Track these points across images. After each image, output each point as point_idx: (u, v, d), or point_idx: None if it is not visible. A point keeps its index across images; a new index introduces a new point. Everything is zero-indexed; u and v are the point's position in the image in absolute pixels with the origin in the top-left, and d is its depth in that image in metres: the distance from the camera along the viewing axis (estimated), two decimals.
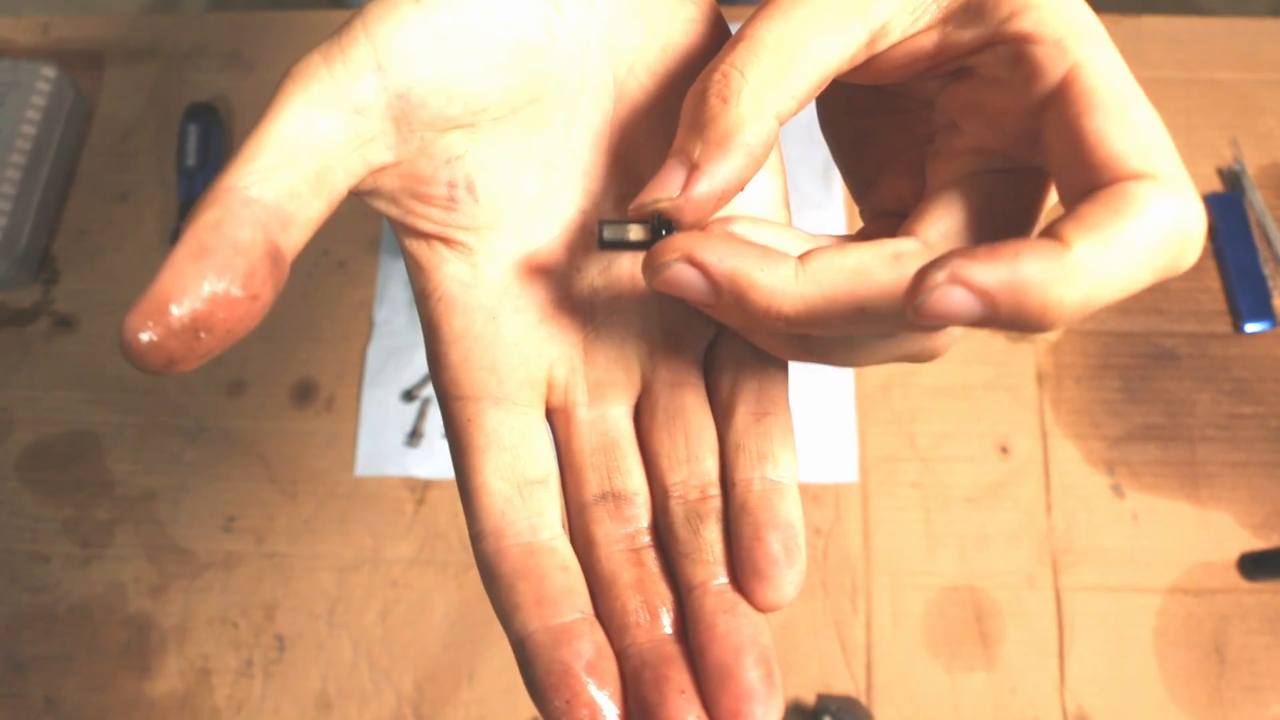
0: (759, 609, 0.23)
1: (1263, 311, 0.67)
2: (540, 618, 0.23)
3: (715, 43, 0.25)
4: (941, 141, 0.24)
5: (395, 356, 0.68)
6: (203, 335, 0.19)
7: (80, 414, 0.68)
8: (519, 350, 0.25)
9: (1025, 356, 0.67)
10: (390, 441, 0.66)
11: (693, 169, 0.21)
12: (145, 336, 0.18)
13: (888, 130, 0.27)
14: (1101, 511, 0.63)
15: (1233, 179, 0.71)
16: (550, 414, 0.26)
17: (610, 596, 0.24)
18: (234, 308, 0.19)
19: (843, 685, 0.60)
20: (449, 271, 0.25)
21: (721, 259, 0.21)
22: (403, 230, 0.25)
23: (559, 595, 0.23)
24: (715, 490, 0.25)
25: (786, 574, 0.23)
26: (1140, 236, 0.18)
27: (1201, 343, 0.67)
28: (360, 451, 0.66)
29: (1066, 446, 0.65)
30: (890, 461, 0.65)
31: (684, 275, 0.21)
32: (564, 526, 0.25)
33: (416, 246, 0.25)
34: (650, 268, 0.22)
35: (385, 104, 0.22)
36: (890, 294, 0.21)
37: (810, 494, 0.63)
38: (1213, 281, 0.69)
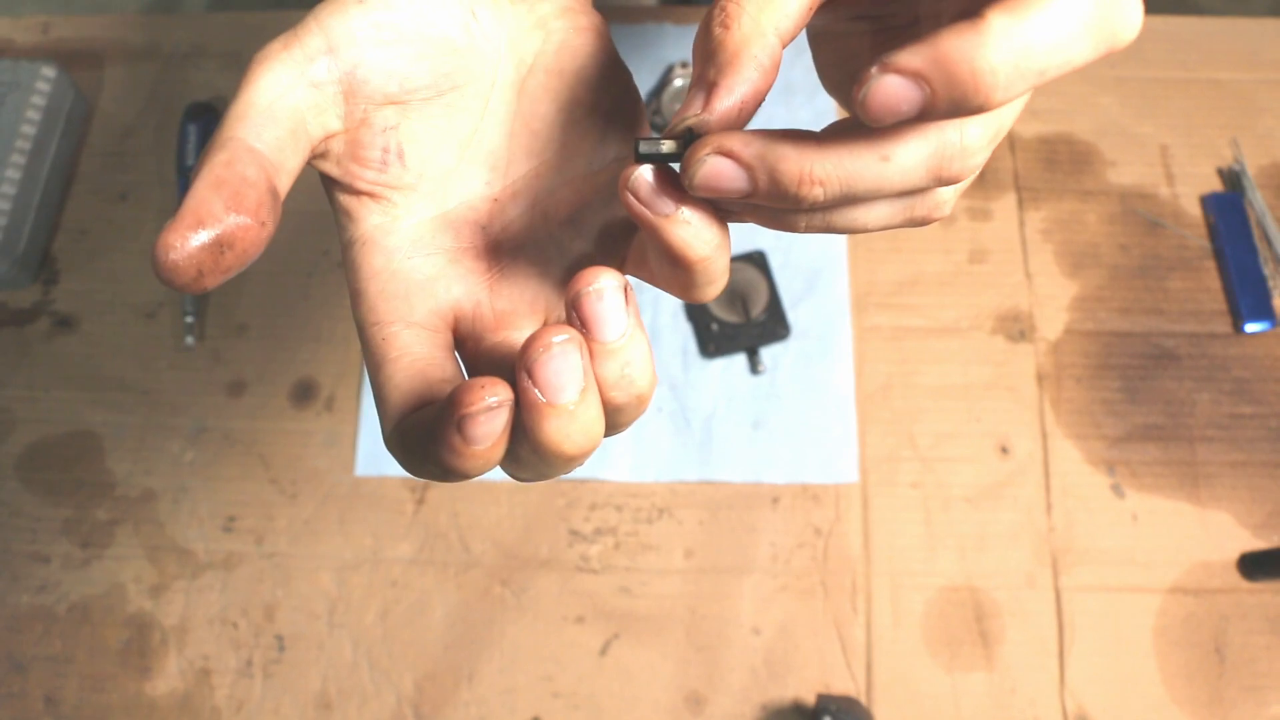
0: None
1: (1263, 311, 0.67)
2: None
3: (604, 45, 0.30)
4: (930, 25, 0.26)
5: None
6: (225, 252, 0.23)
7: (80, 414, 0.68)
8: (429, 285, 0.28)
9: (1025, 357, 0.67)
10: None
11: (711, 87, 0.23)
12: (178, 252, 0.22)
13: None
14: (1101, 511, 0.63)
15: (1233, 179, 0.71)
16: (459, 343, 0.29)
17: None
18: (248, 231, 0.23)
19: (843, 685, 0.60)
20: (374, 221, 0.28)
21: (748, 142, 0.23)
22: (338, 187, 0.28)
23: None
24: None
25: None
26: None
27: (1202, 343, 0.67)
28: (360, 451, 0.66)
29: (1066, 447, 0.65)
30: (890, 462, 0.65)
31: (719, 167, 0.23)
32: None
33: (348, 200, 0.28)
34: (687, 171, 0.23)
35: (336, 79, 0.26)
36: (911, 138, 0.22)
37: (810, 494, 0.63)
38: (1213, 281, 0.69)
